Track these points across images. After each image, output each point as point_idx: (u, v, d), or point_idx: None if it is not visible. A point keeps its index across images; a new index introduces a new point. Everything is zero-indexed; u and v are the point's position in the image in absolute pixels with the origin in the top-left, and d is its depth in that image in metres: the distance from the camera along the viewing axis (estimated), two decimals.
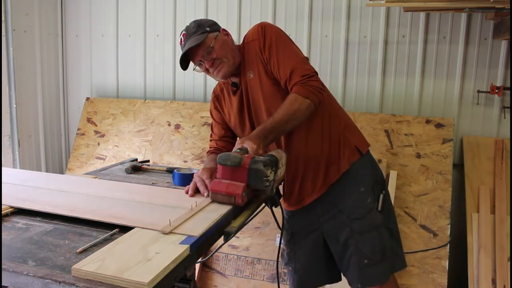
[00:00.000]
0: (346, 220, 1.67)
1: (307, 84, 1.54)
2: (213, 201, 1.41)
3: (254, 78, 1.66)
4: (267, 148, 1.56)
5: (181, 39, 1.68)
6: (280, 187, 1.80)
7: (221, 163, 1.39)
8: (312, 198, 1.72)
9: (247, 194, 1.40)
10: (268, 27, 1.66)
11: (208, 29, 1.64)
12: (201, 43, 1.61)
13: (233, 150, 1.45)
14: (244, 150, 1.42)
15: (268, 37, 1.62)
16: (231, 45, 1.69)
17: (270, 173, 1.38)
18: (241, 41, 1.74)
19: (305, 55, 1.71)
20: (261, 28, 1.65)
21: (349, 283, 1.73)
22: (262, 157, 1.40)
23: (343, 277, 1.81)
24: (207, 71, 1.68)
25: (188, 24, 1.68)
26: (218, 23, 1.73)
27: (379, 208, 1.70)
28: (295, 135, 1.67)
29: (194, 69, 1.71)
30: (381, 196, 1.72)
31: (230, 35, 1.73)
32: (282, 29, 1.69)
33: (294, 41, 1.70)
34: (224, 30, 1.71)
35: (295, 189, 1.75)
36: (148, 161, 2.76)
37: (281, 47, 1.62)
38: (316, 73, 1.60)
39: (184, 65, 1.69)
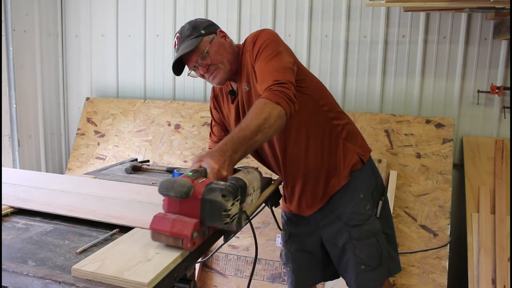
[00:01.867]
0: (345, 226, 1.65)
1: (277, 90, 1.36)
2: (156, 241, 1.05)
3: (249, 91, 1.57)
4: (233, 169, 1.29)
5: (175, 42, 1.58)
6: (280, 187, 1.79)
7: (162, 193, 1.05)
8: (312, 210, 1.70)
9: (202, 234, 1.07)
10: (262, 36, 1.53)
11: (203, 31, 1.54)
12: (195, 48, 1.51)
13: (187, 171, 1.14)
14: (201, 172, 1.12)
15: (256, 47, 1.51)
16: (228, 49, 1.58)
17: (232, 205, 1.05)
18: (242, 41, 1.65)
19: (303, 61, 1.61)
20: (255, 37, 1.55)
21: (347, 284, 1.73)
22: (222, 183, 1.07)
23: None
24: (202, 76, 1.59)
25: (183, 26, 1.58)
26: (217, 23, 1.64)
27: (378, 215, 1.68)
28: (293, 148, 1.60)
29: (188, 74, 1.60)
30: (380, 202, 1.69)
31: (228, 37, 1.62)
32: (278, 33, 1.59)
33: (294, 41, 1.65)
34: (221, 31, 1.60)
35: (294, 201, 1.72)
36: (148, 161, 2.77)
37: (264, 56, 1.48)
38: (292, 83, 1.42)
39: (177, 70, 1.58)
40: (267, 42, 1.51)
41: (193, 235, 1.01)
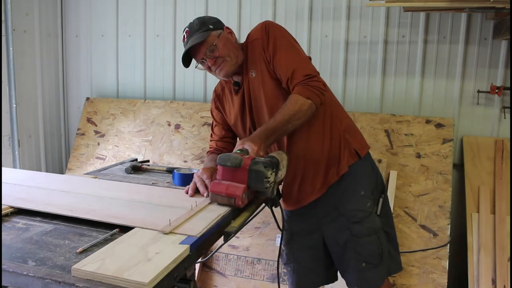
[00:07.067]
0: (346, 223, 1.67)
1: (308, 84, 1.53)
2: (212, 202, 1.40)
3: (256, 77, 1.65)
4: (268, 149, 1.54)
5: (184, 36, 1.67)
6: (280, 187, 1.80)
7: (221, 163, 1.38)
8: (311, 198, 1.72)
9: (248, 196, 1.39)
10: (272, 26, 1.65)
11: (211, 26, 1.63)
12: (204, 41, 1.60)
13: (234, 151, 1.44)
14: (244, 151, 1.41)
15: (271, 36, 1.61)
16: (234, 44, 1.68)
17: (271, 174, 1.37)
18: (244, 40, 1.73)
19: (308, 55, 1.71)
20: (265, 26, 1.64)
21: (347, 284, 1.74)
22: (262, 158, 1.39)
23: (340, 277, 1.81)
24: (209, 69, 1.67)
25: (192, 21, 1.68)
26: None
27: (378, 212, 1.70)
28: (296, 136, 1.66)
29: (196, 67, 1.70)
30: (381, 200, 1.72)
31: (234, 34, 1.71)
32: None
33: None
34: (227, 28, 1.70)
35: (294, 189, 1.74)
36: (148, 161, 2.76)
37: (283, 46, 1.61)
38: (318, 73, 1.60)
39: (186, 62, 1.68)
40: (281, 33, 1.64)
41: (242, 195, 1.35)
